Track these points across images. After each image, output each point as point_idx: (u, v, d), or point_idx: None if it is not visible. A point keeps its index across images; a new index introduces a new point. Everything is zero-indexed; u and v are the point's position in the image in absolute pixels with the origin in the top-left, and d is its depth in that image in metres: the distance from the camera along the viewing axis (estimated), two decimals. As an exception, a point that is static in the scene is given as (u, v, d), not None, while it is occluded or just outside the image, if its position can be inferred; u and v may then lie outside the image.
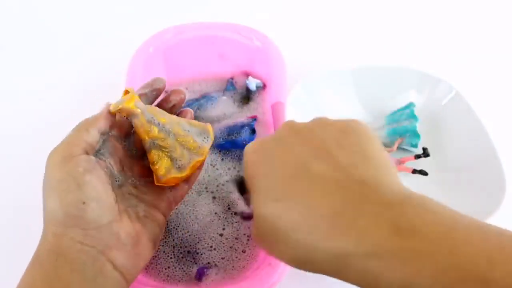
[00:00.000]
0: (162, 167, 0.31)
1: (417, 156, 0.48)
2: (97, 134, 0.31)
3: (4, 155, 0.52)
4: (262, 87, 0.51)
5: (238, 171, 0.45)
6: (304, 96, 0.51)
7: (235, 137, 0.46)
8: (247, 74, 0.53)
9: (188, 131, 0.33)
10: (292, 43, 0.58)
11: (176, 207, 0.36)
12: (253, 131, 0.46)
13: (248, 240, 0.39)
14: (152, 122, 0.31)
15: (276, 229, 0.21)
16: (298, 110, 0.50)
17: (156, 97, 0.35)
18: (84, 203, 0.26)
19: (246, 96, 0.51)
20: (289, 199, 0.22)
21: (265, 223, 0.22)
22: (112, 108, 0.31)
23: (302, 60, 0.60)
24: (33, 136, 0.54)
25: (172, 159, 0.32)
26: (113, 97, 0.48)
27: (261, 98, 0.51)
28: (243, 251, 0.39)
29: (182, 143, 0.32)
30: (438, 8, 0.75)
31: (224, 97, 0.51)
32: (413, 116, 0.50)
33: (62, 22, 0.70)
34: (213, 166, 0.45)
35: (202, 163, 0.34)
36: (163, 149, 0.31)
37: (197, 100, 0.51)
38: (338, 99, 0.54)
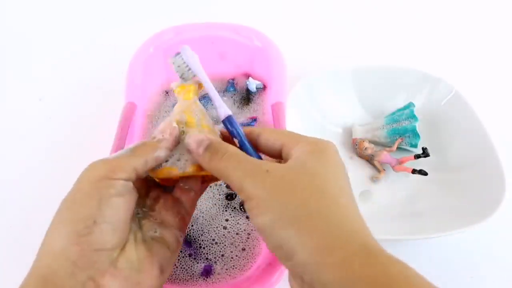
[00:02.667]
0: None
1: (417, 156, 0.48)
2: (149, 164, 0.28)
3: (4, 155, 0.52)
4: (262, 88, 0.51)
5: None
6: (304, 96, 0.51)
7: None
8: (247, 75, 0.53)
9: None
10: (292, 43, 0.58)
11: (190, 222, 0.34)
12: None
13: (248, 238, 0.39)
14: (193, 113, 0.31)
15: None
16: (298, 110, 0.50)
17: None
18: (94, 222, 0.24)
19: (246, 97, 0.51)
20: None
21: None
22: (174, 85, 0.33)
23: (302, 60, 0.60)
24: (33, 136, 0.54)
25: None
26: (112, 97, 0.48)
27: (261, 99, 0.51)
28: (243, 249, 0.39)
29: None
30: (438, 8, 0.75)
31: (225, 98, 0.51)
32: (413, 116, 0.50)
33: (62, 22, 0.70)
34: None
35: (202, 177, 0.32)
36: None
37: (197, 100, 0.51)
38: (338, 99, 0.54)
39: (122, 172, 0.26)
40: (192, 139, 0.28)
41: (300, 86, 0.50)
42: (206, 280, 0.37)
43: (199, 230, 0.40)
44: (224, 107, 0.31)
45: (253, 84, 0.51)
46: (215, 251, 0.39)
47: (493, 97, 0.59)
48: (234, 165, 0.26)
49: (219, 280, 0.37)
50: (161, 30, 0.51)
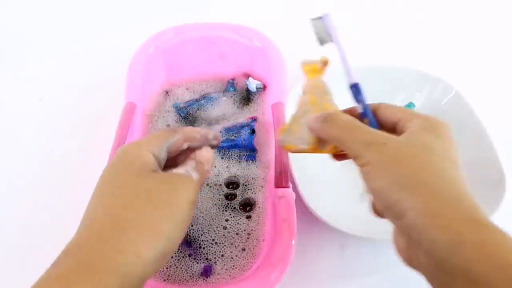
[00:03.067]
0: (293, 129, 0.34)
1: None
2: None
3: (4, 155, 0.52)
4: (262, 88, 0.51)
5: (237, 170, 0.45)
6: (304, 96, 0.51)
7: (235, 137, 0.46)
8: (247, 75, 0.53)
9: None
10: (292, 43, 0.58)
11: None
12: (253, 131, 0.46)
13: (248, 238, 0.39)
14: (317, 92, 0.36)
15: None
16: (298, 110, 0.50)
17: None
18: (178, 238, 0.27)
19: (246, 97, 0.51)
20: None
21: None
22: (303, 63, 0.37)
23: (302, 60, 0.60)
24: (33, 136, 0.54)
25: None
26: (112, 97, 0.48)
27: (261, 99, 0.51)
28: (243, 249, 0.39)
29: None
30: (438, 8, 0.75)
31: (224, 98, 0.51)
32: (413, 116, 0.50)
33: (62, 22, 0.70)
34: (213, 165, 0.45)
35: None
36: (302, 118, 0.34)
37: (197, 100, 0.51)
38: (338, 99, 0.53)
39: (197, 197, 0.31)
40: (310, 118, 0.32)
41: (300, 86, 0.50)
42: (206, 280, 0.37)
43: (199, 230, 0.40)
44: (352, 76, 0.34)
45: (253, 84, 0.51)
46: (215, 251, 0.39)
47: (493, 97, 0.59)
48: (351, 133, 0.29)
49: (219, 280, 0.37)
50: (161, 30, 0.51)
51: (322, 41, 0.35)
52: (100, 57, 0.63)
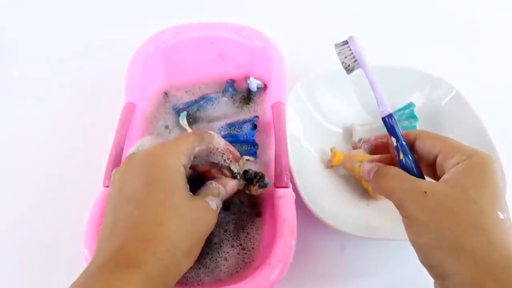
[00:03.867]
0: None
1: None
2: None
3: (4, 155, 0.52)
4: (263, 88, 0.51)
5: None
6: (304, 96, 0.51)
7: (237, 131, 0.46)
8: (248, 76, 0.53)
9: None
10: (292, 43, 0.58)
11: None
12: (255, 127, 0.46)
13: (247, 238, 0.39)
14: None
15: None
16: (298, 110, 0.50)
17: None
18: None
19: (247, 97, 0.51)
20: None
21: None
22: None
23: (302, 60, 0.60)
24: (33, 136, 0.54)
25: None
26: (112, 97, 0.48)
27: (261, 99, 0.51)
28: (243, 249, 0.39)
29: None
30: (438, 8, 0.75)
31: (225, 98, 0.51)
32: (413, 116, 0.50)
33: (62, 22, 0.70)
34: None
35: None
36: None
37: (196, 101, 0.51)
38: (338, 99, 0.54)
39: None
40: (365, 168, 0.34)
41: (300, 86, 0.50)
42: (208, 280, 0.37)
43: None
44: (385, 106, 0.32)
45: (254, 84, 0.51)
46: (215, 251, 0.39)
47: (493, 97, 0.59)
48: (395, 184, 0.29)
49: (219, 280, 0.37)
50: (160, 30, 0.51)
51: (349, 70, 0.32)
52: (100, 57, 0.63)
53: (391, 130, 0.31)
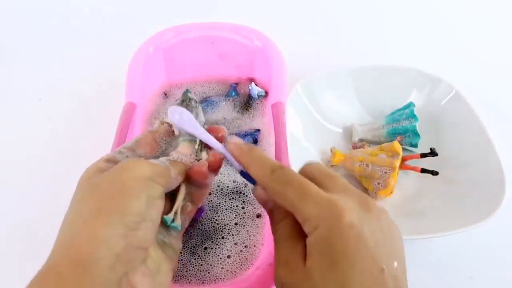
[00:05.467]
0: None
1: (423, 155, 0.48)
2: (177, 182, 0.29)
3: (4, 155, 0.52)
4: (264, 95, 0.51)
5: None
6: (304, 96, 0.51)
7: None
8: (250, 80, 0.53)
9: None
10: (292, 43, 0.58)
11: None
12: (255, 141, 0.46)
13: (248, 238, 0.39)
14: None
15: None
16: (298, 110, 0.50)
17: None
18: (143, 219, 0.24)
19: (247, 102, 0.51)
20: None
21: None
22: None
23: (302, 60, 0.60)
24: (33, 136, 0.54)
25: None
26: (112, 97, 0.48)
27: (262, 105, 0.51)
28: (245, 247, 0.39)
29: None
30: (438, 8, 0.75)
31: (225, 102, 0.51)
32: (413, 116, 0.50)
33: (62, 22, 0.70)
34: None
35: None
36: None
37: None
38: (338, 99, 0.54)
39: (163, 179, 0.27)
40: None
41: (300, 86, 0.50)
42: (208, 280, 0.37)
43: (199, 230, 0.40)
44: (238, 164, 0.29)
45: (255, 90, 0.51)
46: (215, 251, 0.39)
47: (493, 97, 0.59)
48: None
49: (219, 280, 0.37)
50: (161, 30, 0.51)
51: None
52: (100, 57, 0.63)
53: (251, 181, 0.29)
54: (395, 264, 0.23)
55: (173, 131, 0.32)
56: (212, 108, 0.50)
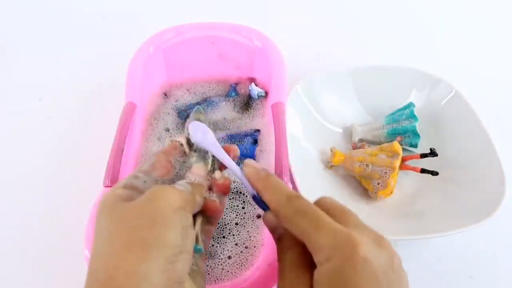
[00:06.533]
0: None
1: (423, 155, 0.48)
2: (200, 205, 0.28)
3: (4, 155, 0.52)
4: (264, 96, 0.51)
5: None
6: (304, 96, 0.51)
7: (237, 144, 0.46)
8: (250, 80, 0.53)
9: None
10: (292, 43, 0.58)
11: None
12: (255, 142, 0.46)
13: (248, 238, 0.39)
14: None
15: None
16: (298, 110, 0.50)
17: None
18: (181, 251, 0.23)
19: (247, 103, 0.51)
20: None
21: None
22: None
23: (302, 60, 0.60)
24: (33, 136, 0.54)
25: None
26: (112, 97, 0.48)
27: (261, 105, 0.51)
28: (245, 248, 0.39)
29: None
30: (438, 8, 0.75)
31: (225, 102, 0.51)
32: (413, 116, 0.50)
33: (62, 22, 0.70)
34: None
35: None
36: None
37: (198, 103, 0.51)
38: (338, 99, 0.54)
39: (191, 206, 0.26)
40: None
41: (300, 86, 0.50)
42: (208, 281, 0.37)
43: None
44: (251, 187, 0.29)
45: (255, 91, 0.51)
46: (215, 251, 0.39)
47: (493, 97, 0.59)
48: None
49: (219, 280, 0.37)
50: (161, 30, 0.51)
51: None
52: (100, 57, 0.63)
53: (263, 207, 0.28)
54: None
55: (185, 151, 0.31)
56: (212, 108, 0.50)
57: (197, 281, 0.26)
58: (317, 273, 0.23)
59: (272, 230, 0.28)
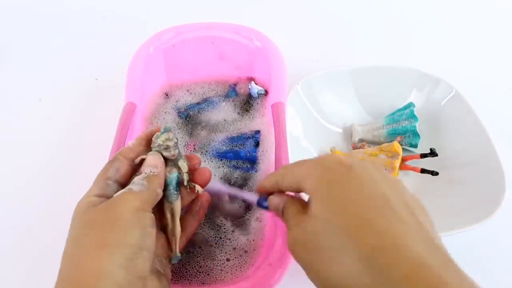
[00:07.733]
0: None
1: (423, 155, 0.47)
2: (158, 198, 0.30)
3: (4, 155, 0.52)
4: (264, 94, 0.51)
5: (238, 172, 0.45)
6: (304, 96, 0.51)
7: (239, 148, 0.46)
8: (250, 80, 0.53)
9: None
10: (292, 43, 0.58)
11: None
12: (257, 144, 0.46)
13: (248, 238, 0.39)
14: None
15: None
16: (298, 110, 0.50)
17: None
18: (140, 248, 0.26)
19: (247, 102, 0.51)
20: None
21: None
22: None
23: (302, 60, 0.60)
24: (33, 136, 0.54)
25: None
26: (112, 97, 0.48)
27: (261, 104, 0.51)
28: (245, 249, 0.39)
29: None
30: (437, 8, 0.75)
31: (225, 103, 0.51)
32: (412, 116, 0.50)
33: (62, 22, 0.70)
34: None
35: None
36: None
37: (198, 104, 0.51)
38: (338, 99, 0.54)
39: (149, 204, 0.28)
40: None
41: (300, 86, 0.50)
42: (208, 281, 0.37)
43: (199, 229, 0.40)
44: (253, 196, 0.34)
45: (255, 89, 0.51)
46: (215, 251, 0.39)
47: (493, 97, 0.59)
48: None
49: (219, 280, 0.37)
50: (161, 30, 0.51)
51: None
52: (100, 57, 0.63)
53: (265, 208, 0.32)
54: (406, 195, 0.27)
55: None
56: (212, 109, 0.50)
57: (163, 283, 0.29)
58: (309, 195, 0.26)
59: (276, 209, 0.30)
